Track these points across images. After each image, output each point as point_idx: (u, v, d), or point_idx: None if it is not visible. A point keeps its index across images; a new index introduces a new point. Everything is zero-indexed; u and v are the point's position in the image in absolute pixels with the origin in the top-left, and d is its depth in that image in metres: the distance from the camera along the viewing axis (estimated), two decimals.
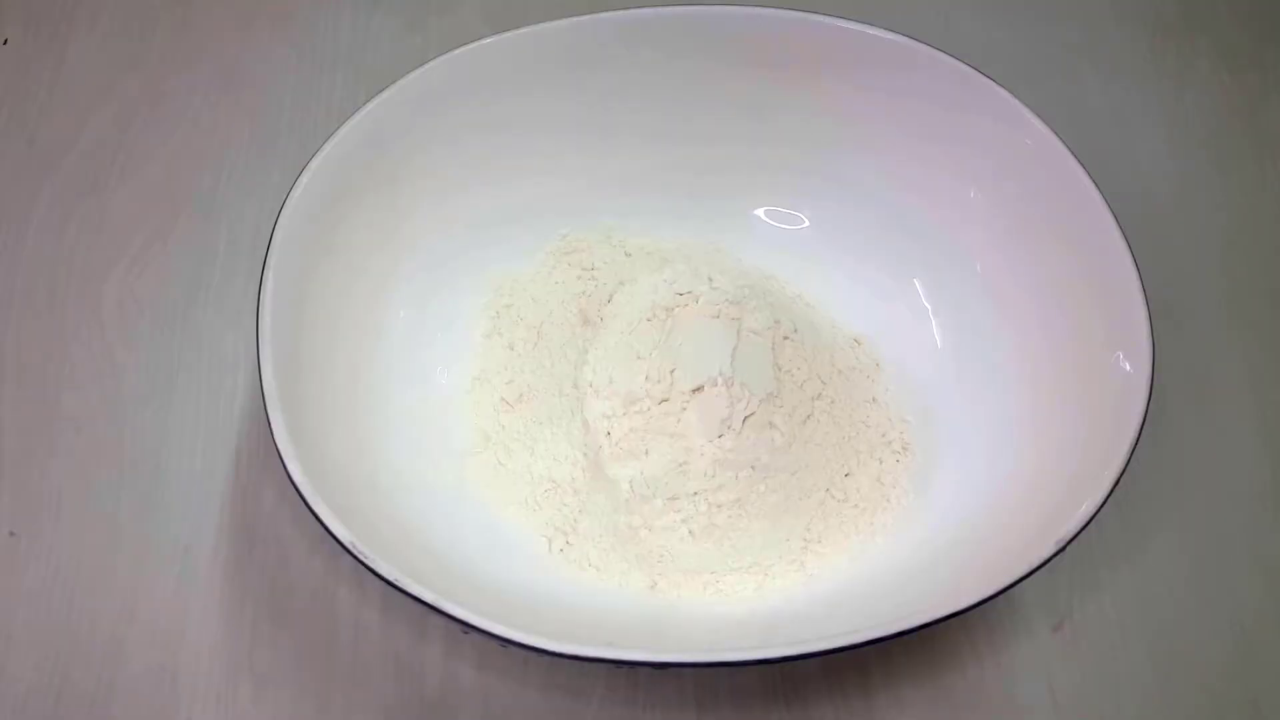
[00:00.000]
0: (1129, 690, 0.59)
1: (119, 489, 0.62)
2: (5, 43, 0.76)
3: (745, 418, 0.59)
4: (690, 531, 0.58)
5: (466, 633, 0.50)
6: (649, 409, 0.59)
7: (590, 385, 0.61)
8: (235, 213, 0.70)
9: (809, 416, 0.60)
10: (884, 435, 0.62)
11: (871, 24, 0.62)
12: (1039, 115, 0.60)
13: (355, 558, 0.48)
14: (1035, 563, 0.49)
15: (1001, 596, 0.49)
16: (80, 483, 0.62)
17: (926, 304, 0.65)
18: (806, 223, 0.67)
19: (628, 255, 0.66)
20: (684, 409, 0.58)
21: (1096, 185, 0.57)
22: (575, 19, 0.62)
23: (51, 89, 0.75)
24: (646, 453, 0.58)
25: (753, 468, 0.58)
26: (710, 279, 0.64)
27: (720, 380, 0.58)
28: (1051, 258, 0.59)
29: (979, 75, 0.61)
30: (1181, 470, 0.64)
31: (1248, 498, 0.63)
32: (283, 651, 0.58)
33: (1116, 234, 0.56)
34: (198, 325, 0.67)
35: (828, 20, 0.62)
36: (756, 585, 0.57)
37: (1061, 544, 0.49)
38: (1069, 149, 0.58)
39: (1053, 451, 0.56)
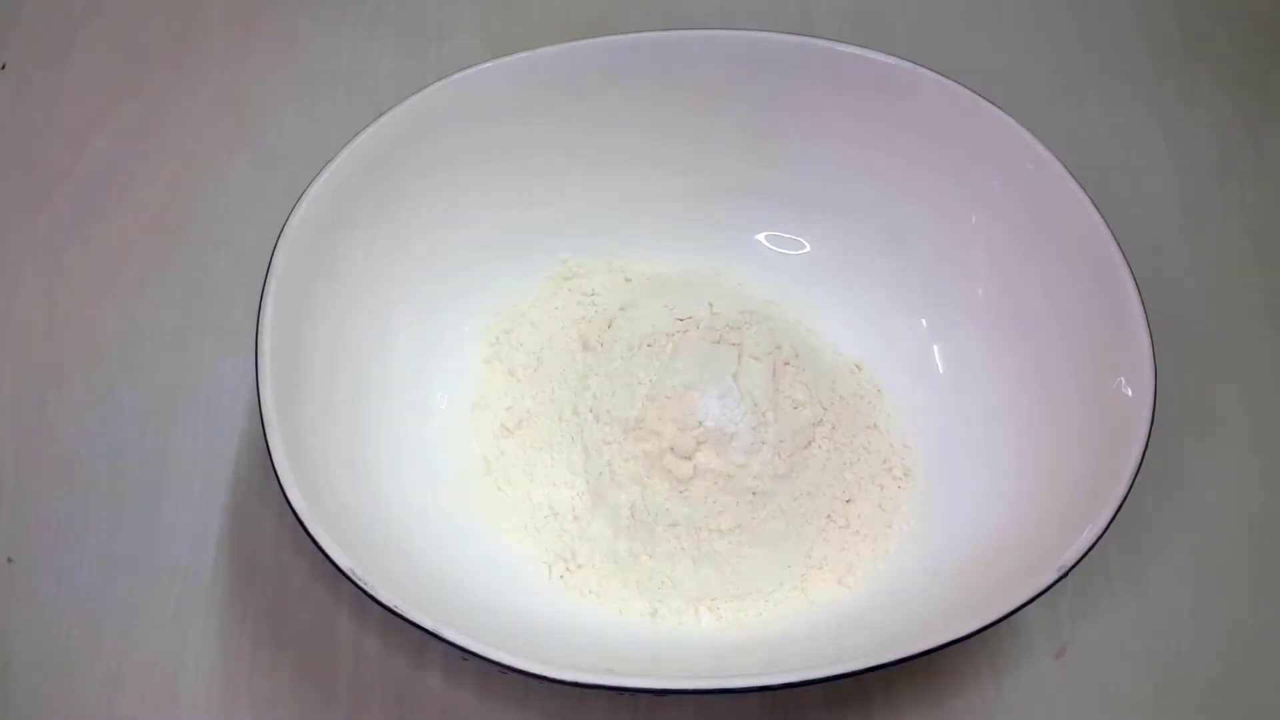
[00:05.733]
0: (1131, 716, 0.58)
1: (117, 515, 0.62)
2: (4, 67, 0.76)
3: (746, 443, 0.58)
4: (691, 558, 0.57)
5: (466, 659, 0.50)
6: (649, 435, 0.59)
7: (590, 411, 0.61)
8: (234, 238, 0.70)
9: (810, 442, 0.60)
10: (885, 461, 0.61)
11: (872, 49, 0.62)
12: (1041, 139, 0.60)
13: (354, 584, 0.48)
14: (1038, 589, 0.49)
15: (1004, 622, 0.48)
16: (78, 509, 0.62)
17: (928, 329, 0.65)
18: (808, 248, 0.67)
19: (628, 280, 0.66)
20: (685, 435, 0.58)
21: (1099, 209, 0.57)
22: (575, 44, 0.62)
23: (50, 113, 0.75)
24: (647, 478, 0.58)
25: (754, 494, 0.58)
26: (711, 304, 0.64)
27: (722, 406, 0.58)
28: (1053, 282, 0.59)
29: (981, 100, 0.61)
30: (1183, 495, 0.63)
31: (1249, 522, 0.63)
32: (282, 678, 0.58)
33: (1119, 258, 0.56)
34: (197, 350, 0.67)
35: (828, 45, 0.62)
36: (758, 612, 0.57)
37: (1064, 570, 0.49)
38: (1071, 173, 0.58)
39: (1055, 477, 0.56)
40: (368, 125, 0.59)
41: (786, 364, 0.62)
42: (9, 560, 0.61)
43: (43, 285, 0.68)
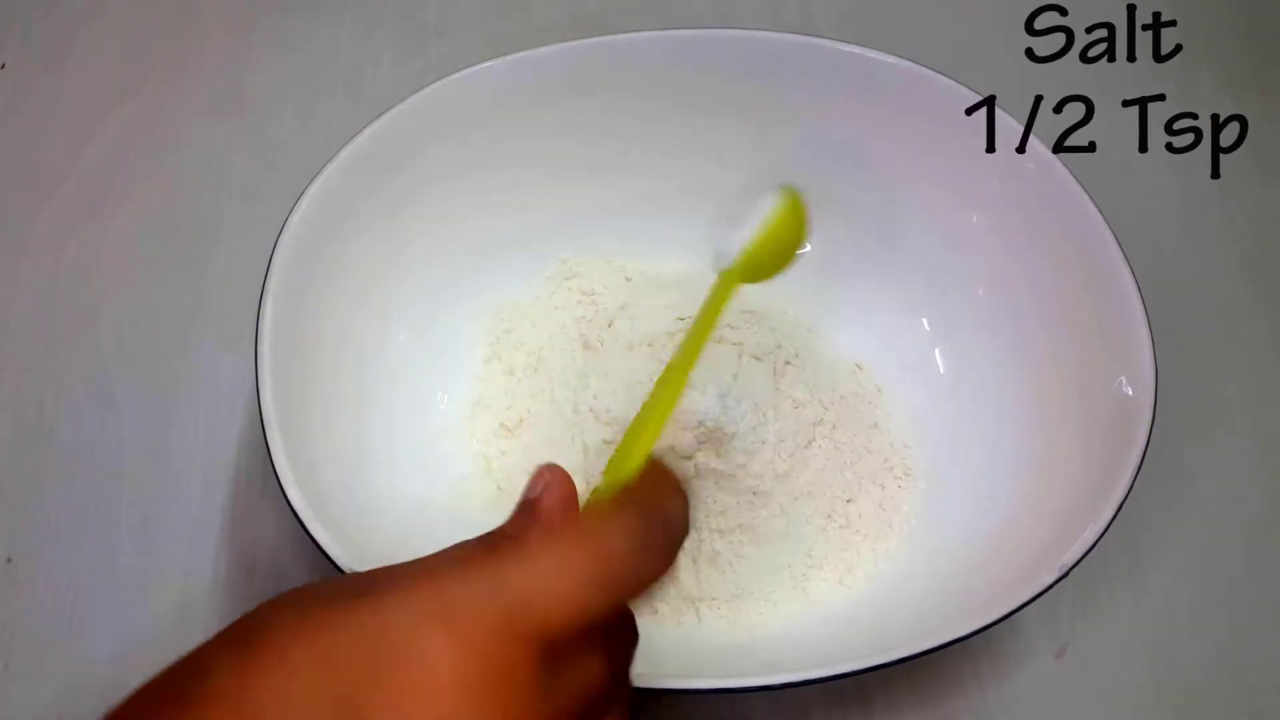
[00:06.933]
0: (1131, 716, 0.58)
1: (117, 515, 0.62)
2: (3, 67, 0.76)
3: (747, 443, 0.58)
4: (692, 558, 0.57)
5: None
6: None
7: (590, 410, 0.61)
8: (234, 237, 0.70)
9: (810, 442, 0.60)
10: (886, 461, 0.61)
11: (873, 48, 0.62)
12: (1041, 139, 0.59)
13: None
14: (1038, 589, 0.49)
15: (1004, 622, 0.48)
16: (78, 508, 0.62)
17: (929, 329, 0.65)
18: (808, 248, 0.67)
19: (628, 280, 0.66)
20: (685, 434, 0.58)
21: (1099, 208, 0.57)
22: (575, 43, 0.62)
23: (50, 113, 0.75)
24: None
25: (754, 493, 0.58)
26: None
27: (722, 406, 0.58)
28: (1054, 282, 0.59)
29: (980, 99, 0.61)
30: (1183, 495, 0.63)
31: (1249, 522, 0.63)
32: None
33: (1119, 257, 0.56)
34: (196, 350, 0.67)
35: (829, 44, 0.62)
36: (758, 611, 0.57)
37: (1064, 570, 0.49)
38: (1072, 173, 0.58)
39: (1055, 476, 0.56)
40: (368, 125, 0.59)
41: (787, 364, 0.62)
42: (9, 560, 0.61)
43: (42, 284, 0.68)
